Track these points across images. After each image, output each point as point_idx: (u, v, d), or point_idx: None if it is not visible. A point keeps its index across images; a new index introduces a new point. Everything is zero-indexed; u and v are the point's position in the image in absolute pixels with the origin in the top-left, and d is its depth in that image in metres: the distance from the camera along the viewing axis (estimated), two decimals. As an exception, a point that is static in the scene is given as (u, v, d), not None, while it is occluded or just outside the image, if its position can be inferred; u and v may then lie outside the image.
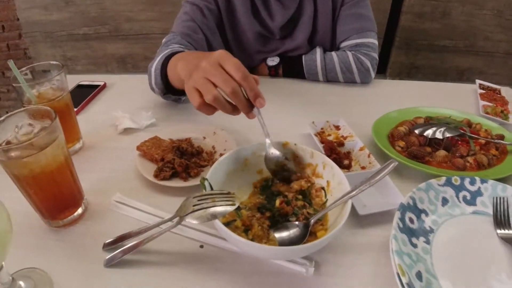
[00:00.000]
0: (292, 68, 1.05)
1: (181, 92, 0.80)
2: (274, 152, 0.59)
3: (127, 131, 0.81)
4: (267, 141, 0.59)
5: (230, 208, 0.48)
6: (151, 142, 0.71)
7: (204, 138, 0.75)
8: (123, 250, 0.51)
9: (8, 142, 0.51)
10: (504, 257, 0.53)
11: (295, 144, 0.62)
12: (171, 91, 0.84)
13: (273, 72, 1.06)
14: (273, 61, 1.06)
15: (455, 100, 0.99)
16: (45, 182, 0.53)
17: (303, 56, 1.03)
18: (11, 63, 0.63)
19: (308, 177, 0.61)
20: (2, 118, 0.51)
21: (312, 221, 0.52)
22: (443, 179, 0.61)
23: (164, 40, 0.96)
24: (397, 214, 0.53)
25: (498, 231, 0.57)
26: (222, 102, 0.55)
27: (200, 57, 0.58)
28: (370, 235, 0.56)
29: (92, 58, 2.27)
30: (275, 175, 0.61)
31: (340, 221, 0.47)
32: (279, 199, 0.56)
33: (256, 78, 0.55)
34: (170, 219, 0.51)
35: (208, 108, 0.56)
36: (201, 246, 0.54)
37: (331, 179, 0.58)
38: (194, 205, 0.48)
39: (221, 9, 1.00)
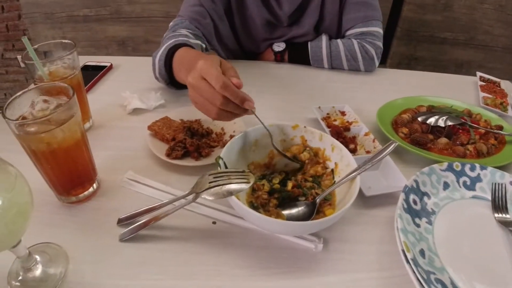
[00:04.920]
0: (298, 54, 1.06)
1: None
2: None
3: (136, 111, 0.82)
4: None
5: (245, 186, 0.50)
6: (162, 122, 0.72)
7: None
8: (139, 224, 0.52)
9: (23, 118, 0.52)
10: (501, 238, 0.56)
11: (304, 127, 0.63)
12: (175, 84, 0.85)
13: (279, 58, 1.07)
14: (279, 46, 1.07)
15: (456, 91, 1.01)
16: (62, 158, 0.54)
17: (309, 43, 1.04)
18: (25, 40, 0.63)
19: (323, 163, 0.63)
20: (18, 94, 0.52)
21: (318, 199, 0.54)
22: (445, 164, 0.63)
23: (171, 24, 0.96)
24: (402, 195, 0.55)
25: (496, 215, 0.60)
26: (228, 116, 0.58)
27: (190, 66, 0.59)
28: (375, 215, 0.59)
29: (92, 40, 2.24)
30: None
31: (349, 200, 0.49)
32: (292, 183, 0.58)
33: (236, 83, 0.56)
34: (186, 196, 0.53)
35: (225, 116, 0.59)
36: (214, 222, 0.56)
37: (339, 161, 0.60)
38: (210, 182, 0.49)
39: None
